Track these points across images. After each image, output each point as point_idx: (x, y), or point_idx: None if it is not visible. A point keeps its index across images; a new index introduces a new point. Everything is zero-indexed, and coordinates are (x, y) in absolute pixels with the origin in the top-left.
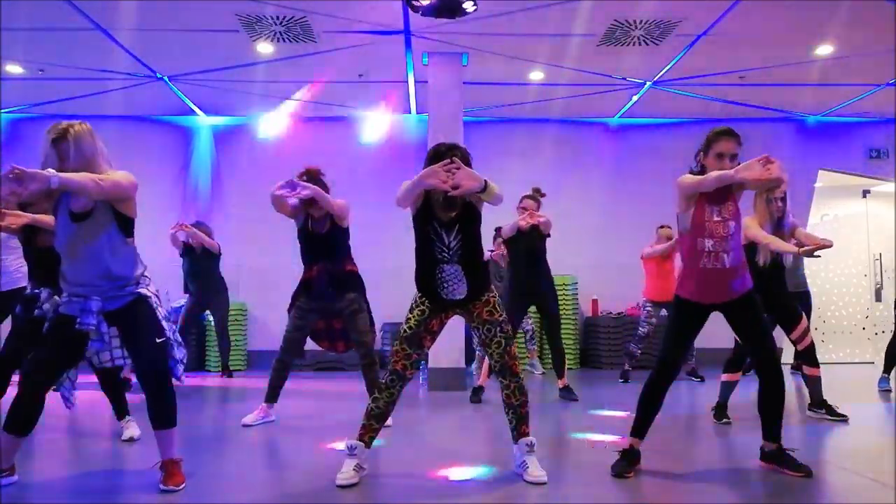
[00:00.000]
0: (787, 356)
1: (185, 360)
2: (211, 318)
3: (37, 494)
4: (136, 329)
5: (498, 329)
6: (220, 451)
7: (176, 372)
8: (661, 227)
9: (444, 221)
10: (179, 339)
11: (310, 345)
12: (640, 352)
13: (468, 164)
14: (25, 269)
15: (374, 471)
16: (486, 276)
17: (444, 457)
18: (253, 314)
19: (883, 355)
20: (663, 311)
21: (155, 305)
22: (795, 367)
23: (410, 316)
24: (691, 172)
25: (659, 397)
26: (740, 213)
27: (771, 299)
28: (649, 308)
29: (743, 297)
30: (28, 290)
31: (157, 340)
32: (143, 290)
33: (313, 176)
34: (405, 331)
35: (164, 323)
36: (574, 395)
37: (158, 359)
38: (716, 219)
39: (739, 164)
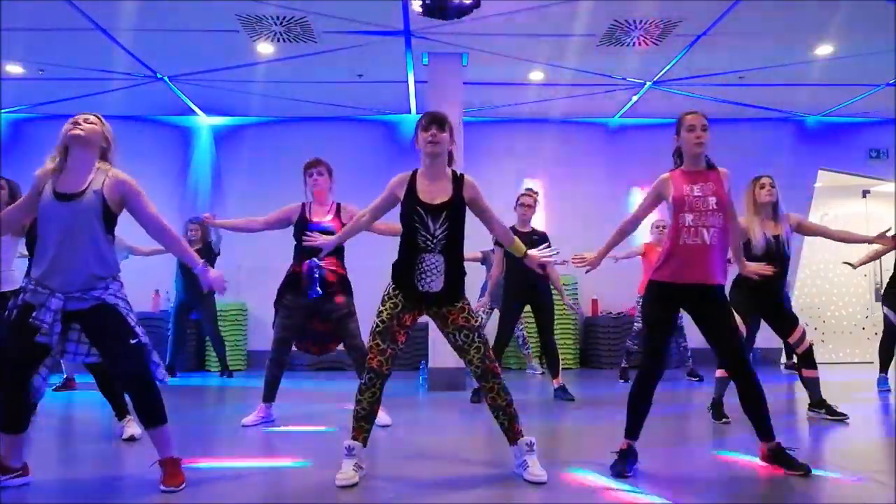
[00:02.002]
0: (784, 356)
1: (160, 363)
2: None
3: (37, 494)
4: (105, 335)
5: (475, 335)
6: (219, 451)
7: (157, 374)
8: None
9: (429, 207)
10: (150, 344)
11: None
12: (636, 348)
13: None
14: (20, 271)
15: (373, 471)
16: (463, 276)
17: (444, 457)
18: (253, 314)
19: None
20: None
21: (124, 312)
22: (790, 366)
23: (382, 309)
24: (671, 170)
25: (648, 396)
26: (725, 194)
27: (771, 303)
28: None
29: (714, 290)
30: (22, 285)
31: (132, 342)
32: (108, 298)
33: (326, 166)
34: (377, 325)
35: (137, 329)
36: (570, 395)
37: (135, 361)
38: (696, 193)
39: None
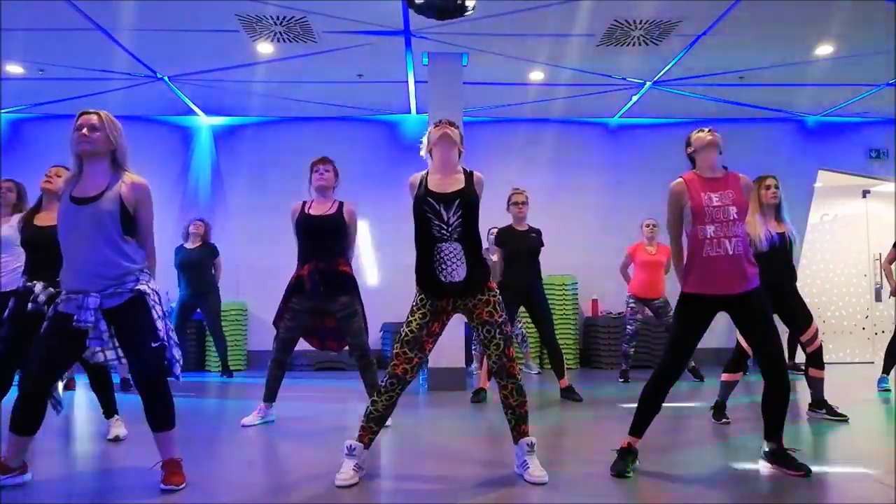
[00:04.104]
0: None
1: (181, 360)
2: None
3: (37, 495)
4: (133, 331)
5: (497, 331)
6: (219, 451)
7: (174, 370)
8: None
9: (441, 196)
10: (175, 338)
11: (306, 345)
12: (633, 350)
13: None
14: (20, 269)
15: (373, 471)
16: (485, 264)
17: (444, 457)
18: (253, 314)
19: (883, 355)
20: (648, 311)
21: (152, 304)
22: (790, 367)
23: (412, 318)
24: (684, 174)
25: (660, 398)
26: (744, 202)
27: (783, 300)
28: (632, 304)
29: (749, 293)
30: (21, 285)
31: (153, 345)
32: (142, 287)
33: (334, 165)
34: (406, 334)
35: (159, 323)
36: (577, 395)
37: (153, 364)
38: (715, 203)
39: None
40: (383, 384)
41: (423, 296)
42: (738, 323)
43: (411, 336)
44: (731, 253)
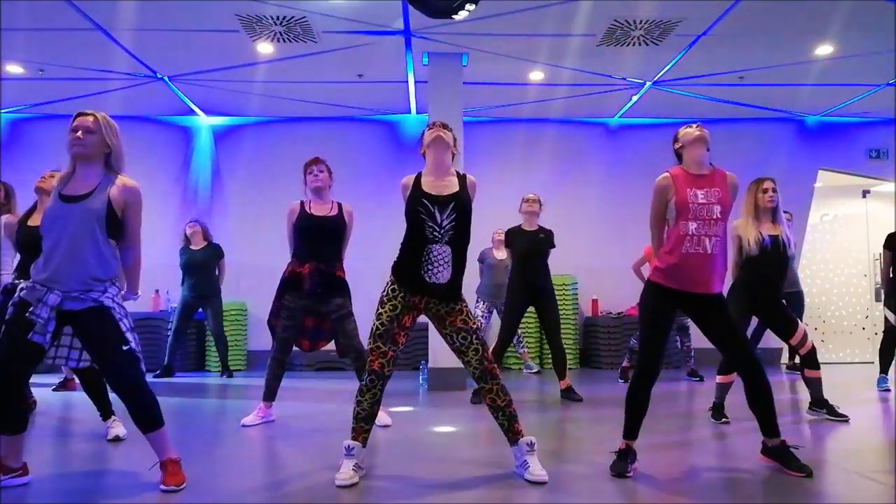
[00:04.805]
0: (784, 355)
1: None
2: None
3: (37, 494)
4: (98, 339)
5: (474, 336)
6: (219, 451)
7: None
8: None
9: (436, 199)
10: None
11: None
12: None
13: (450, 130)
14: (12, 269)
15: (373, 471)
16: (463, 273)
17: (445, 457)
18: (253, 314)
19: None
20: None
21: (119, 317)
22: (791, 367)
23: (382, 311)
24: (670, 169)
25: (644, 396)
26: (729, 202)
27: (766, 305)
28: None
29: (712, 297)
30: (10, 281)
31: (123, 348)
32: (105, 301)
33: (327, 165)
34: (378, 327)
35: (128, 335)
36: (577, 396)
37: (126, 367)
38: (701, 200)
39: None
40: (364, 382)
41: (395, 286)
42: (699, 323)
43: (383, 329)
44: (709, 252)
